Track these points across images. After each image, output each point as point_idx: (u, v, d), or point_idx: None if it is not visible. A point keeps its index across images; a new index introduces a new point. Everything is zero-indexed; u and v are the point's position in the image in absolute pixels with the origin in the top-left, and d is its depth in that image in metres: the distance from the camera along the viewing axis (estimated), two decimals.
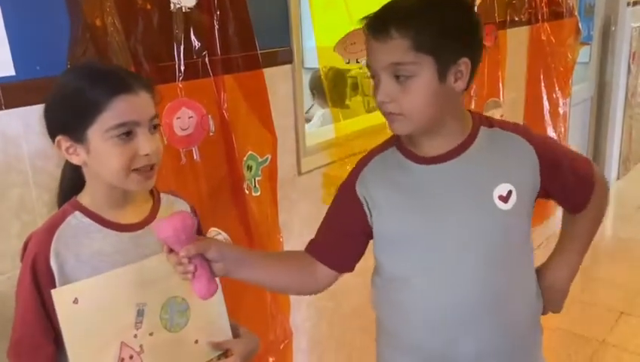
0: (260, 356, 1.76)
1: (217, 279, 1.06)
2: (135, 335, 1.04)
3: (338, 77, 2.40)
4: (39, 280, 1.00)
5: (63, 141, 1.01)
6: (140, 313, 1.05)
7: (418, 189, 1.09)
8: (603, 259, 3.42)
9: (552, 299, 1.22)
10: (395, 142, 1.14)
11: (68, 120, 1.00)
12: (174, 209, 1.14)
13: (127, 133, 0.99)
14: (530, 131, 1.14)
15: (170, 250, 1.00)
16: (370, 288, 1.21)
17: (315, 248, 1.18)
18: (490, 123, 1.13)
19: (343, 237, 1.16)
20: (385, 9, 1.04)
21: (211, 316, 1.14)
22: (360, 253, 1.19)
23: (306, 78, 2.50)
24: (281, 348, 1.84)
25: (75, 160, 1.03)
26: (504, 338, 1.12)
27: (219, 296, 1.14)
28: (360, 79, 2.49)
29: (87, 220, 1.05)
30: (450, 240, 1.07)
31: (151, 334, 1.06)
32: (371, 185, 1.12)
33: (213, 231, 1.57)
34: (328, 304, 2.04)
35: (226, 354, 1.14)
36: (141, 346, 1.05)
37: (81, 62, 1.09)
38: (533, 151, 1.10)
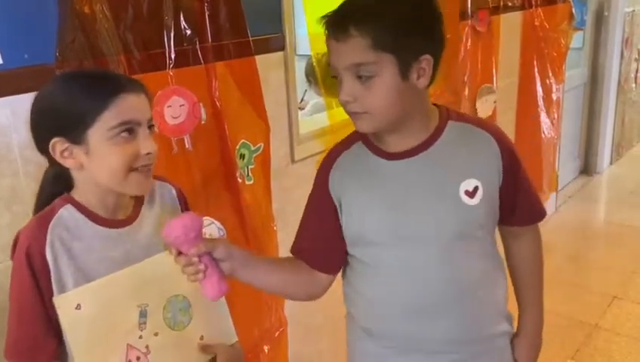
0: (255, 344, 1.77)
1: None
2: (140, 336, 1.04)
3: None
4: (37, 275, 0.99)
5: (59, 144, 0.99)
6: (143, 314, 1.05)
7: (385, 185, 1.09)
8: (596, 244, 3.44)
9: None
10: (361, 137, 1.12)
11: (64, 123, 0.98)
12: (160, 196, 1.14)
13: (129, 131, 0.99)
14: (504, 135, 1.13)
15: (178, 253, 0.99)
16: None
17: (306, 255, 1.17)
18: (460, 117, 1.12)
19: (330, 240, 1.15)
20: (343, 6, 1.02)
21: (214, 312, 1.14)
22: (343, 250, 1.17)
23: (299, 65, 2.49)
24: (276, 335, 1.85)
25: (69, 163, 1.01)
26: (467, 329, 1.13)
27: None
28: None
29: (78, 214, 1.03)
30: (417, 234, 1.07)
31: (156, 334, 1.06)
32: (341, 184, 1.12)
33: (206, 221, 1.56)
34: None
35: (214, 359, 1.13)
36: (147, 346, 1.05)
37: (69, 70, 1.08)
38: (499, 150, 1.09)
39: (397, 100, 1.01)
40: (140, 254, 1.06)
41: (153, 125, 1.05)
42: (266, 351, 1.82)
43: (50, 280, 0.99)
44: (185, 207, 1.19)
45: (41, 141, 1.01)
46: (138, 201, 1.11)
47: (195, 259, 0.99)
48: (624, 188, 4.33)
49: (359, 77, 0.99)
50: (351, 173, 1.12)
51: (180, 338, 1.09)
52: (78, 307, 0.98)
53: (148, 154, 1.01)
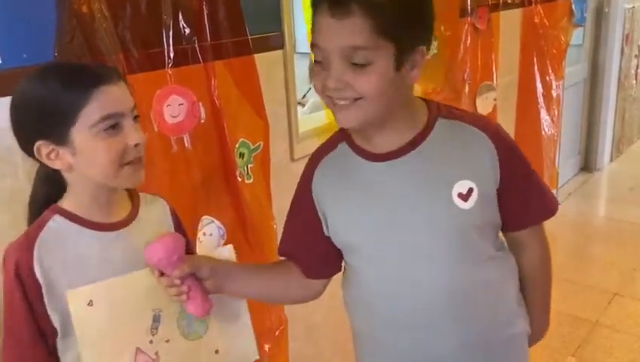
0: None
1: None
2: (151, 341, 1.02)
3: None
4: (26, 290, 0.96)
5: (44, 147, 0.95)
6: (156, 318, 1.02)
7: (372, 189, 1.02)
8: (596, 241, 3.44)
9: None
10: (345, 138, 1.06)
11: (46, 123, 0.94)
12: (154, 206, 1.12)
13: (113, 125, 0.95)
14: (499, 132, 1.05)
15: (161, 273, 0.99)
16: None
17: (296, 262, 1.14)
18: (452, 113, 1.04)
19: (319, 246, 1.11)
20: None
21: (234, 325, 1.11)
22: (336, 254, 1.13)
23: (300, 63, 2.48)
24: (277, 334, 1.85)
25: (57, 165, 0.98)
26: (474, 335, 1.07)
27: (243, 303, 1.12)
28: None
29: (67, 223, 1.00)
30: (407, 241, 1.01)
31: (167, 341, 1.03)
32: (324, 191, 1.07)
33: (206, 220, 1.56)
34: None
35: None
36: (157, 353, 1.02)
37: (43, 65, 1.01)
38: (494, 149, 1.01)
39: (386, 92, 0.93)
40: (136, 257, 1.03)
41: (137, 115, 1.01)
42: (267, 349, 1.81)
43: (41, 295, 0.97)
44: (177, 222, 1.16)
45: (26, 144, 0.98)
46: (135, 202, 1.09)
47: (178, 281, 0.99)
48: (624, 184, 4.32)
49: (352, 63, 0.90)
50: (335, 178, 1.06)
51: (193, 349, 1.06)
52: (90, 303, 0.96)
53: (137, 145, 0.97)
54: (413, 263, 1.02)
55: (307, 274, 1.14)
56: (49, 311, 0.98)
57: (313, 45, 0.94)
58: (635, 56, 4.72)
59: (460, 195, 0.99)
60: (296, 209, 1.14)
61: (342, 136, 1.07)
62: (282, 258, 1.18)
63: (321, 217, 1.08)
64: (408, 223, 1.01)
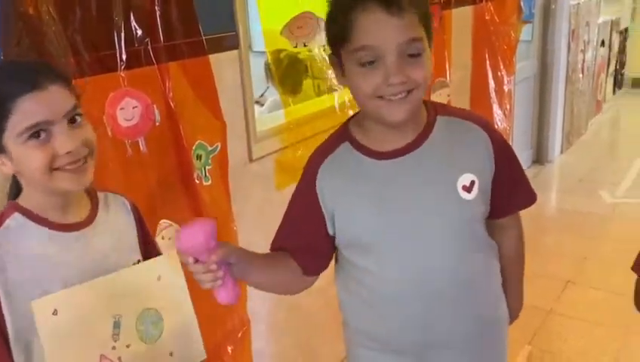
0: (218, 345, 1.76)
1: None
2: (114, 347, 1.02)
3: (295, 61, 2.36)
4: None
5: None
6: (117, 324, 1.03)
7: (381, 187, 1.05)
8: (549, 231, 3.54)
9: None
10: (347, 138, 1.08)
11: None
12: (114, 205, 1.12)
13: (38, 134, 0.93)
14: (492, 125, 1.13)
15: (195, 259, 0.97)
16: (334, 274, 1.21)
17: (295, 258, 1.14)
18: (447, 111, 1.11)
19: (320, 247, 1.13)
20: None
21: (184, 328, 1.13)
22: (332, 251, 1.16)
23: (258, 62, 2.47)
24: (239, 336, 1.84)
25: (4, 171, 0.98)
26: (474, 321, 1.13)
27: (190, 306, 1.13)
28: (309, 62, 2.47)
29: (26, 221, 1.00)
30: (419, 235, 1.06)
31: (128, 346, 1.04)
32: (333, 192, 1.08)
33: (164, 223, 1.54)
34: None
35: None
36: (119, 358, 1.03)
37: None
38: (490, 142, 1.09)
39: (430, 79, 1.00)
40: (95, 259, 1.04)
41: (78, 115, 0.98)
42: (230, 351, 1.80)
43: None
44: (139, 219, 1.16)
45: None
46: (94, 202, 1.08)
47: (215, 267, 0.97)
48: (574, 175, 4.47)
49: (409, 55, 0.95)
50: (342, 178, 1.07)
51: (150, 352, 1.07)
52: (55, 312, 0.96)
53: (68, 153, 0.95)
54: (426, 256, 1.07)
55: (307, 271, 1.15)
56: (4, 312, 0.96)
57: (362, 48, 0.95)
58: (582, 51, 4.88)
59: (464, 188, 1.05)
60: (297, 208, 1.14)
61: (343, 136, 1.09)
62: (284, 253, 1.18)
63: (326, 216, 1.09)
64: (420, 217, 1.05)
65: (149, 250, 1.17)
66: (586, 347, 2.48)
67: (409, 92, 0.98)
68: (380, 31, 0.94)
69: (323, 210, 1.09)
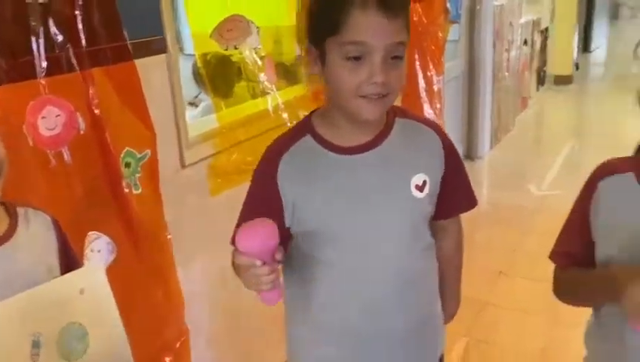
0: (156, 356, 1.71)
1: None
2: None
3: (224, 63, 2.32)
4: None
5: None
6: (36, 344, 0.97)
7: (341, 181, 1.09)
8: (480, 224, 3.64)
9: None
10: (308, 131, 1.11)
11: None
12: (35, 221, 1.07)
13: None
14: (443, 130, 1.20)
15: (263, 262, 0.95)
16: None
17: None
18: (405, 113, 1.16)
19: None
20: None
21: (111, 340, 1.09)
22: (287, 245, 1.15)
23: (186, 66, 2.41)
24: (178, 346, 1.80)
25: None
26: (418, 316, 1.19)
27: (117, 318, 1.09)
28: (242, 64, 2.44)
29: None
30: (377, 228, 1.10)
31: None
32: (293, 182, 1.09)
33: (92, 235, 1.48)
34: (222, 294, 2.01)
35: None
36: None
37: None
38: (441, 145, 1.15)
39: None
40: (18, 275, 0.99)
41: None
42: (168, 361, 1.77)
43: None
44: (61, 237, 1.12)
45: None
46: (13, 219, 1.03)
47: (277, 267, 0.96)
48: (503, 170, 4.65)
49: (393, 57, 1.00)
50: (304, 169, 1.10)
51: None
52: None
53: None
54: (381, 248, 1.11)
55: None
56: None
57: (353, 42, 0.99)
58: (506, 50, 5.07)
59: (417, 186, 1.11)
60: (256, 201, 1.14)
61: (305, 129, 1.12)
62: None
63: (285, 207, 1.10)
64: (378, 212, 1.09)
65: (70, 265, 1.13)
66: (518, 336, 2.58)
67: (385, 95, 1.03)
68: (373, 30, 0.98)
69: (283, 200, 1.10)
